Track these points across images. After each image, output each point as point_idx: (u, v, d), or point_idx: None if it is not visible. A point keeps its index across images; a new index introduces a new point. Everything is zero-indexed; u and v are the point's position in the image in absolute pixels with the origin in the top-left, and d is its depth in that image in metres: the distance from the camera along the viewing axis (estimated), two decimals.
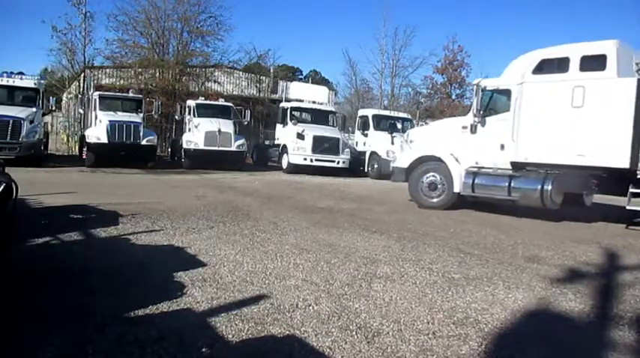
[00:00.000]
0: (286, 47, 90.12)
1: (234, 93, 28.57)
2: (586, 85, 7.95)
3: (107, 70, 27.02)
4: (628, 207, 7.91)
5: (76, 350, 2.70)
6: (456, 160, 9.50)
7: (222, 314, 3.31)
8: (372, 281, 4.33)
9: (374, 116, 20.04)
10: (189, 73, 27.66)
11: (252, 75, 30.85)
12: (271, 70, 31.03)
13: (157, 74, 26.28)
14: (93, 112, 16.85)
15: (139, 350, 2.72)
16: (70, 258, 4.59)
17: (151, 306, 3.35)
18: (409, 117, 21.95)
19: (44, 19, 35.48)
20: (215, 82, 28.52)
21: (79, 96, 22.77)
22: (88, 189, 9.78)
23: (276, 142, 20.05)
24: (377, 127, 19.48)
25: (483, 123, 9.30)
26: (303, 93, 20.86)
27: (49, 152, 18.55)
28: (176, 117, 21.27)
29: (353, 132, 21.57)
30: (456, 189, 9.40)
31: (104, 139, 15.56)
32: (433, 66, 34.32)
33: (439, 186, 9.67)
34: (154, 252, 5.03)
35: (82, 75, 25.23)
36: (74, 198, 8.15)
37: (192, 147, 17.37)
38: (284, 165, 18.64)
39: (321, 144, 17.84)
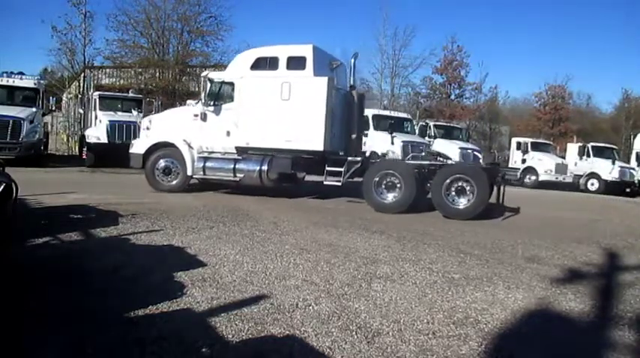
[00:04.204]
0: None
1: None
2: (291, 82, 9.31)
3: (107, 70, 27.00)
4: (325, 183, 9.50)
5: (76, 350, 2.70)
6: (189, 146, 10.20)
7: (222, 314, 3.31)
8: (372, 281, 4.33)
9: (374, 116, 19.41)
10: (189, 73, 27.63)
11: None
12: None
13: (157, 74, 26.26)
14: (93, 112, 16.86)
15: (139, 350, 2.72)
16: (70, 258, 4.58)
17: (151, 306, 3.35)
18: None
19: (44, 19, 35.30)
20: None
21: (79, 96, 22.74)
22: (87, 189, 9.77)
23: None
24: (377, 127, 19.17)
25: (215, 112, 10.09)
26: None
27: (49, 152, 18.53)
28: None
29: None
30: (189, 172, 10.16)
31: (104, 139, 15.57)
32: (432, 66, 34.15)
33: (173, 170, 10.34)
34: (153, 252, 5.03)
35: (82, 75, 25.19)
36: (74, 198, 8.15)
37: None
38: None
39: None
